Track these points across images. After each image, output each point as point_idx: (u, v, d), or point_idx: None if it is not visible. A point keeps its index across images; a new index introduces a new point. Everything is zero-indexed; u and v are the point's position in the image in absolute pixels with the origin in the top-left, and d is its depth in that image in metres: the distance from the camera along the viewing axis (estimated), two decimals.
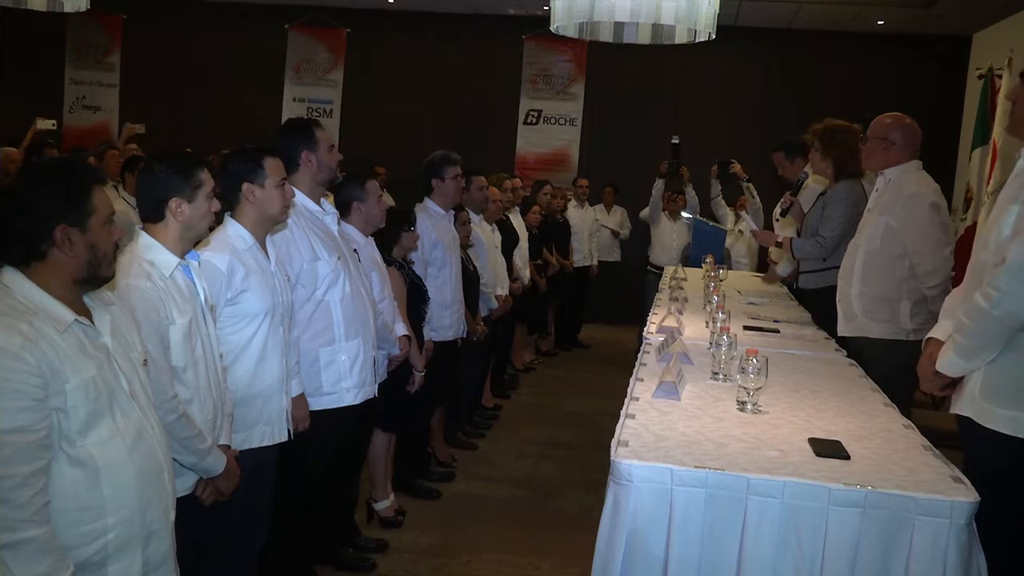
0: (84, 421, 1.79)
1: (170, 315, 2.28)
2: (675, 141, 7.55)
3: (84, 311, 1.88)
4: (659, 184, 7.95)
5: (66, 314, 1.81)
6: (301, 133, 3.16)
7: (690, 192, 8.08)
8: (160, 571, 1.97)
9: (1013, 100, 2.71)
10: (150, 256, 2.32)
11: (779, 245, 4.63)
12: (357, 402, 3.24)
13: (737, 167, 6.79)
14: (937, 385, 2.56)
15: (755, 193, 6.97)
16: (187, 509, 2.22)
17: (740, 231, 7.59)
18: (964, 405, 2.47)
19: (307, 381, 3.04)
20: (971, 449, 2.52)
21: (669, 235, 8.09)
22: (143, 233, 2.36)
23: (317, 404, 3.08)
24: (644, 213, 8.31)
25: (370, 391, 3.31)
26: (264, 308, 2.70)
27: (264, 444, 2.75)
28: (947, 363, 2.47)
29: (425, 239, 4.28)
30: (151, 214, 2.37)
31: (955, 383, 2.52)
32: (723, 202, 7.58)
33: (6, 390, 1.69)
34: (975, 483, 2.03)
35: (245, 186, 2.73)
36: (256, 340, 2.70)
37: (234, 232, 2.72)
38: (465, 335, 4.74)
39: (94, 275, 1.88)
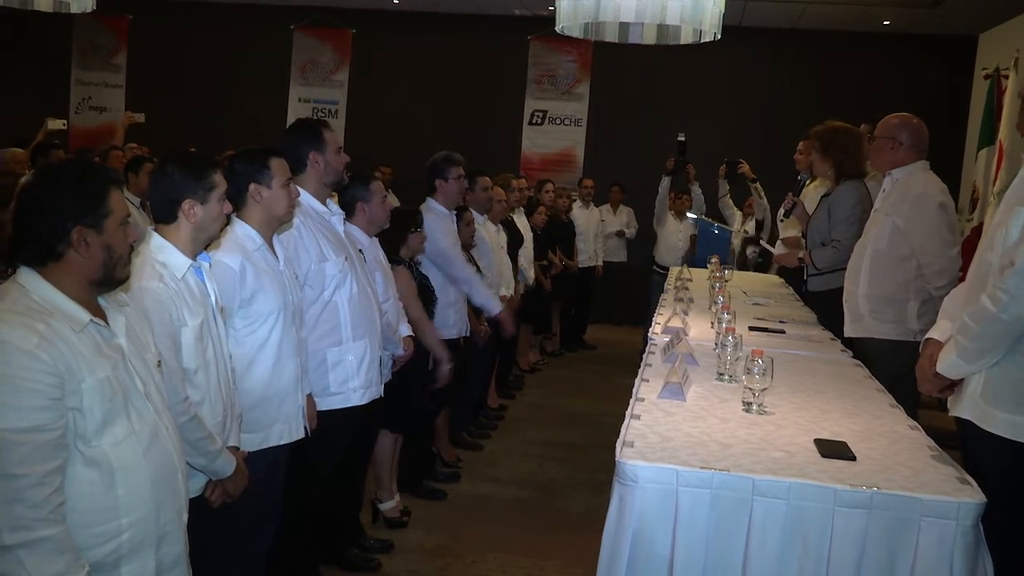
0: (100, 421, 1.80)
1: (182, 317, 2.29)
2: (681, 138, 7.56)
3: (99, 312, 1.89)
4: (665, 181, 7.93)
5: (82, 314, 1.82)
6: (309, 134, 3.17)
7: (696, 190, 8.07)
8: (173, 572, 1.97)
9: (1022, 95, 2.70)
10: (162, 258, 2.32)
11: (801, 262, 4.62)
12: (363, 402, 3.25)
13: (745, 167, 6.81)
14: (936, 387, 2.53)
15: (762, 193, 6.99)
16: (198, 511, 2.22)
17: (746, 231, 7.60)
18: (964, 408, 2.45)
19: (314, 381, 3.05)
20: (971, 451, 2.50)
21: (675, 235, 8.08)
22: (155, 234, 2.37)
23: (324, 404, 3.09)
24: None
25: (376, 391, 3.32)
26: (276, 307, 2.71)
27: (282, 442, 2.77)
28: (948, 365, 2.44)
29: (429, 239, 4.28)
30: (163, 215, 2.38)
31: (954, 385, 2.50)
32: (730, 202, 7.58)
33: (22, 389, 1.69)
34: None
35: (252, 187, 2.74)
36: (272, 340, 2.71)
37: (243, 233, 2.73)
38: (468, 334, 4.75)
39: (110, 276, 1.88)
